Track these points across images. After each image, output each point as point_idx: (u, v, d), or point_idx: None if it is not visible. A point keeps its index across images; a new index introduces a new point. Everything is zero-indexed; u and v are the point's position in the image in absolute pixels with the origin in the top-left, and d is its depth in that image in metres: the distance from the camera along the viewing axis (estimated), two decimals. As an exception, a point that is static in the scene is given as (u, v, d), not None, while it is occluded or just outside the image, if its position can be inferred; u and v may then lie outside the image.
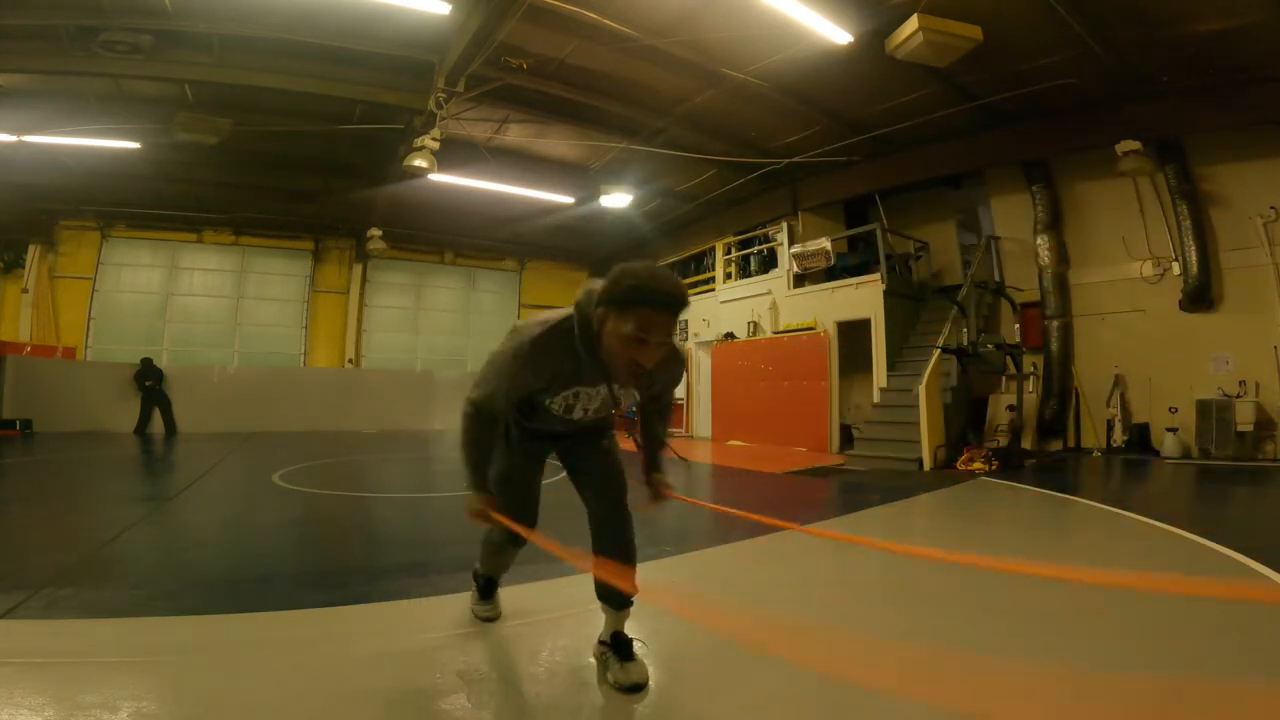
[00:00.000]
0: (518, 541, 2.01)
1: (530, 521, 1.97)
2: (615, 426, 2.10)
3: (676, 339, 1.82)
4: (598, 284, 1.60)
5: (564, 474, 2.09)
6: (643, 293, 1.50)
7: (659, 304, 1.51)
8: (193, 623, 2.33)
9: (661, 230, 14.08)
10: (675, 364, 1.86)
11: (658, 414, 2.07)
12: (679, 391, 13.41)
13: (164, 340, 13.25)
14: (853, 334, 9.99)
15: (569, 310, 1.67)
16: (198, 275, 13.70)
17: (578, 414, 1.84)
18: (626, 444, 2.14)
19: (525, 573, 2.56)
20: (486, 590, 2.32)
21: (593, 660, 1.95)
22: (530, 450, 2.00)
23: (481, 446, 1.80)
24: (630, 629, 1.93)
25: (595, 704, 1.77)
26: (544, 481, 2.08)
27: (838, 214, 11.58)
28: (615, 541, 1.92)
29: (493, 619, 2.31)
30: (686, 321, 13.69)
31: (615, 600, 1.90)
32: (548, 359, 1.65)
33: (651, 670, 1.87)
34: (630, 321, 1.51)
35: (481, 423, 1.76)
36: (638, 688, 1.81)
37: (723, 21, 6.69)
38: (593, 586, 1.92)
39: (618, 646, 1.88)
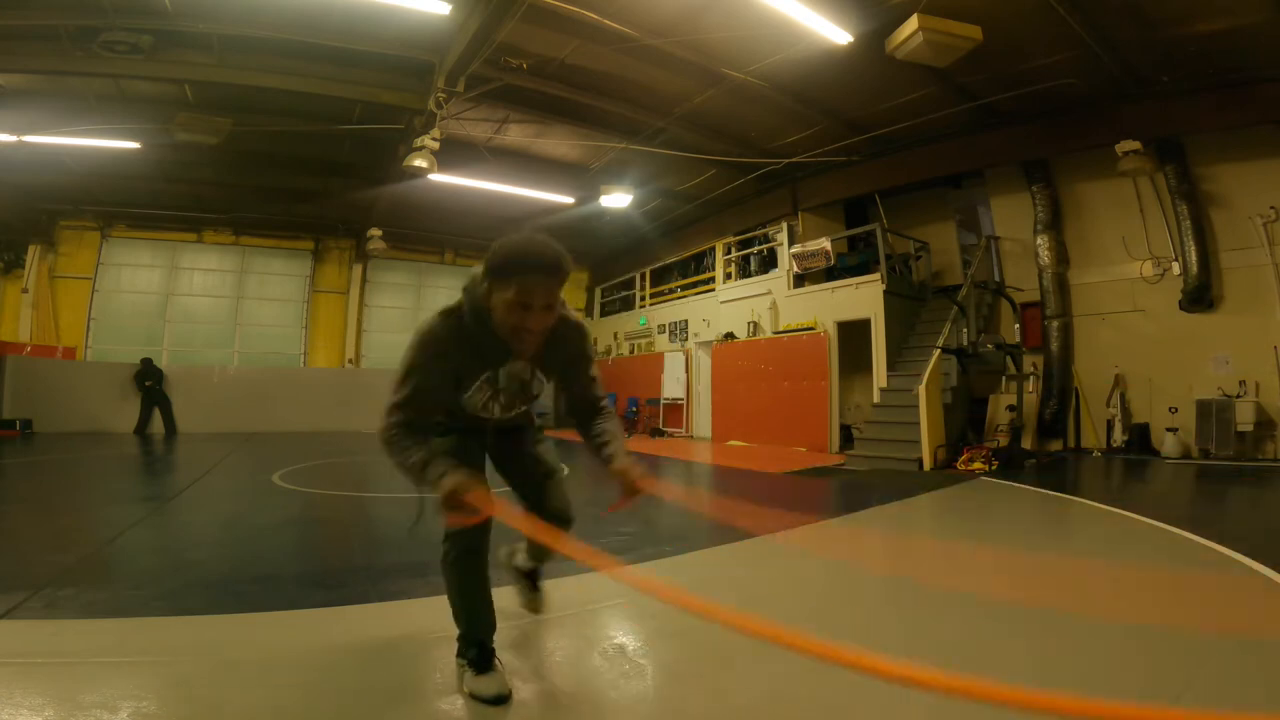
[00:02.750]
0: (479, 540, 1.76)
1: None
2: (535, 425, 2.02)
3: (580, 327, 1.81)
4: (479, 269, 1.64)
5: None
6: (518, 258, 1.55)
7: (535, 268, 1.54)
8: (193, 623, 2.32)
9: (661, 230, 14.08)
10: (573, 333, 1.78)
11: (589, 411, 1.84)
12: (678, 392, 13.48)
13: (164, 340, 13.26)
14: (853, 334, 9.99)
15: (460, 298, 1.68)
16: (198, 275, 13.71)
17: (496, 411, 1.79)
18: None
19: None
20: (481, 659, 1.75)
21: (594, 658, 1.95)
22: (461, 434, 1.85)
23: (417, 451, 1.59)
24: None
25: (595, 703, 1.77)
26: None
27: (838, 214, 11.58)
28: (549, 503, 1.89)
29: (504, 698, 1.69)
30: (686, 321, 13.69)
31: (542, 554, 2.09)
32: (453, 346, 1.64)
33: (652, 670, 1.87)
34: (511, 288, 1.53)
35: (409, 433, 1.61)
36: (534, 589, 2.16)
37: (723, 21, 6.69)
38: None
39: (532, 576, 2.17)
